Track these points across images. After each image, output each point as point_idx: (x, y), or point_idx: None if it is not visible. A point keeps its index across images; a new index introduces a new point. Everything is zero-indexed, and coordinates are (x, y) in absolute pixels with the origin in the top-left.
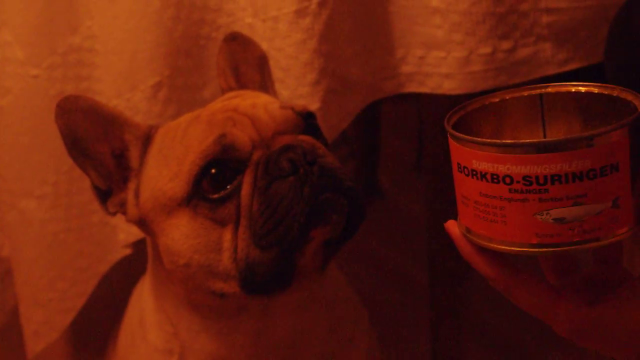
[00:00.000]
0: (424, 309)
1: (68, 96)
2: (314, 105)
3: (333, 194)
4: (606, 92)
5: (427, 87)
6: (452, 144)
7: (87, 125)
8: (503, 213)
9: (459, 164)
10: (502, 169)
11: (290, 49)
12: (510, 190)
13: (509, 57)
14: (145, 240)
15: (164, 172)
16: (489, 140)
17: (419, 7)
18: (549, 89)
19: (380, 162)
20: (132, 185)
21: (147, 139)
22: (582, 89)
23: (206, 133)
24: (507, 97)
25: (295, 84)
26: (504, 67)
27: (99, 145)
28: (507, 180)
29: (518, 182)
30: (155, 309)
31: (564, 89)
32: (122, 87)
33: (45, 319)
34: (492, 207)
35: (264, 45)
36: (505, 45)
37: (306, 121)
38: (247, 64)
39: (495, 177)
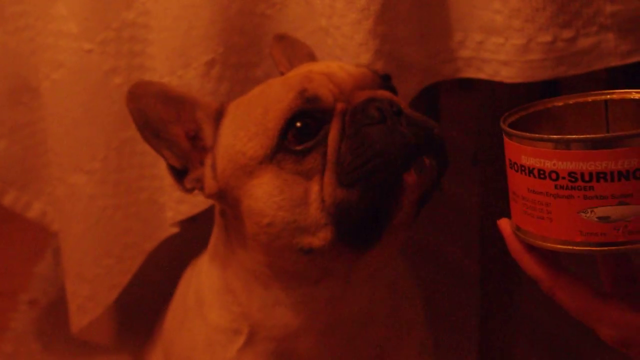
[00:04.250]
0: (473, 302)
1: (139, 82)
2: None
3: (423, 146)
4: None
5: (484, 73)
6: (505, 140)
7: (158, 108)
8: (549, 209)
9: (510, 160)
10: (548, 165)
11: (346, 28)
12: (555, 187)
13: (570, 47)
14: (195, 221)
15: (241, 134)
16: (537, 135)
17: None
18: (615, 96)
19: None
20: (208, 161)
21: (218, 115)
22: None
23: (285, 91)
24: (571, 102)
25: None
26: (564, 57)
27: (172, 127)
28: (553, 176)
29: (564, 178)
30: (221, 290)
31: (630, 96)
32: (175, 64)
33: (91, 294)
34: (539, 203)
35: (323, 22)
36: (566, 34)
37: (384, 81)
38: (298, 59)
39: (542, 172)
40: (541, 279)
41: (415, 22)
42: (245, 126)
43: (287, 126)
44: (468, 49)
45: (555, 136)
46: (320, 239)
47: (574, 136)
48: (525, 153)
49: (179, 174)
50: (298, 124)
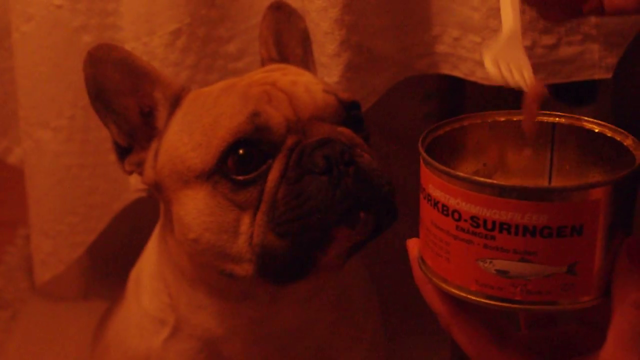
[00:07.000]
0: None
1: (101, 44)
2: (331, 79)
3: (365, 202)
4: (618, 139)
5: (459, 71)
6: (420, 160)
7: (116, 77)
8: (448, 249)
9: (420, 184)
10: (452, 202)
11: (313, 14)
12: (457, 228)
13: (550, 54)
14: None
15: (186, 139)
16: (444, 167)
17: None
18: (563, 120)
19: None
20: (153, 146)
21: (176, 100)
22: (596, 129)
23: (238, 107)
24: (514, 119)
25: (317, 53)
26: (544, 64)
27: (125, 100)
28: (456, 215)
29: (466, 220)
30: (155, 276)
31: (577, 124)
32: (141, 30)
33: (53, 250)
34: (439, 240)
35: (295, 5)
36: (547, 40)
37: (348, 111)
38: (290, 35)
39: (445, 209)
40: (440, 314)
41: (389, 13)
42: (192, 131)
43: (230, 150)
44: (444, 44)
45: (462, 174)
46: (242, 269)
47: (481, 179)
48: (433, 183)
49: (123, 152)
50: (240, 151)
